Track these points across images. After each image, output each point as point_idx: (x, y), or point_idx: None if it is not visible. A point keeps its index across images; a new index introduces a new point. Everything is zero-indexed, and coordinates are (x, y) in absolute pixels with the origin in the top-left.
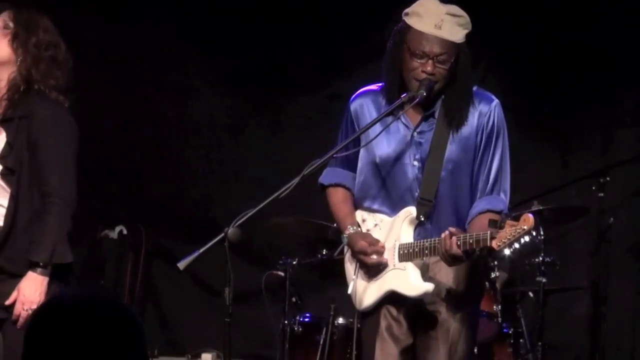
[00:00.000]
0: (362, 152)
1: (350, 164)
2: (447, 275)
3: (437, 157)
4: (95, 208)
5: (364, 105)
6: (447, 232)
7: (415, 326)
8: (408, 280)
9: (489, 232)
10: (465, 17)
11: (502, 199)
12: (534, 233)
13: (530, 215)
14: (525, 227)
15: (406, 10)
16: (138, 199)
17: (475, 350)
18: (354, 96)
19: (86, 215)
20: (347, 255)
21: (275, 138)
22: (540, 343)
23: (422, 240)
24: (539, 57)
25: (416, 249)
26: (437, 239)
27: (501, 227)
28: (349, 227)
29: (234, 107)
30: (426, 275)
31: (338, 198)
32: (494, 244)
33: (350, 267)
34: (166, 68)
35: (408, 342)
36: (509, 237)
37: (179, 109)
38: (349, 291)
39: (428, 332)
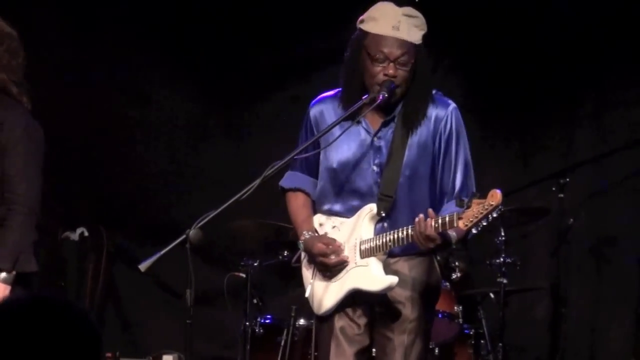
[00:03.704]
0: (321, 157)
1: (311, 169)
2: (405, 276)
3: (396, 162)
4: (56, 210)
5: (324, 111)
6: (421, 215)
7: (372, 327)
8: (371, 275)
9: (455, 212)
10: (420, 18)
11: None
12: (502, 208)
13: (498, 191)
14: (492, 203)
15: (361, 18)
16: (99, 201)
17: (437, 351)
18: (313, 102)
19: (47, 217)
20: (304, 261)
21: (236, 140)
22: (501, 344)
23: (383, 234)
24: (500, 59)
25: (378, 243)
26: (401, 229)
27: (468, 207)
28: (304, 232)
29: (195, 109)
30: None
31: (297, 203)
32: (461, 223)
33: (307, 272)
34: (127, 70)
35: (364, 344)
36: (476, 215)
37: (139, 111)
38: (307, 295)
39: (384, 334)
